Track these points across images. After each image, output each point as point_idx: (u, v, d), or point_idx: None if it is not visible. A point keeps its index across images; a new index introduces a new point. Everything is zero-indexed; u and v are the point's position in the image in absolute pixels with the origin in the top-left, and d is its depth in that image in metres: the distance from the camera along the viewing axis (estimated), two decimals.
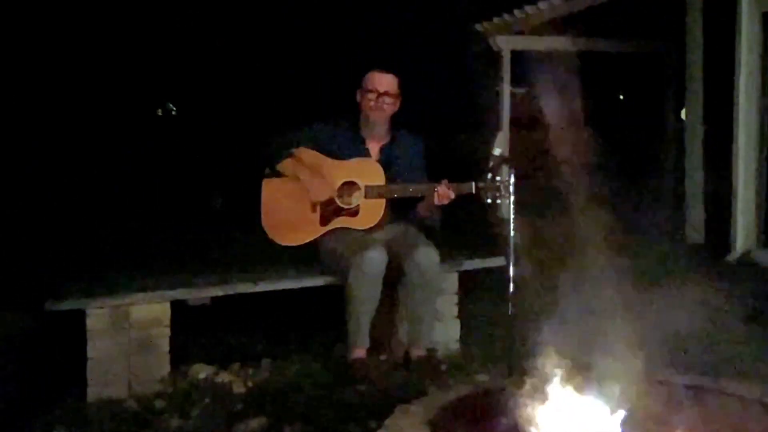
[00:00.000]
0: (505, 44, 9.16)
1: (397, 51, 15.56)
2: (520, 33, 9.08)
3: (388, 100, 3.60)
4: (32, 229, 6.73)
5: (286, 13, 17.21)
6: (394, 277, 3.45)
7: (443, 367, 3.43)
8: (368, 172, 3.54)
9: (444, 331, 3.75)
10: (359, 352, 3.38)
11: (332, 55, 17.10)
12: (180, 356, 3.34)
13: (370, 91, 3.58)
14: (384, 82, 3.60)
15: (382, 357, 3.56)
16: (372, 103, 3.58)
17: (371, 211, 3.52)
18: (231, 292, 3.38)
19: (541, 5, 8.43)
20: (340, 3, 17.40)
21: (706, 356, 3.40)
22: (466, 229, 5.88)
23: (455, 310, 3.82)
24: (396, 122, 3.73)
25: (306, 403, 3.00)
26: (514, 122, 9.14)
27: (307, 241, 3.55)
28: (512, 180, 3.18)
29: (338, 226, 3.52)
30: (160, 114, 18.53)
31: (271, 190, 3.59)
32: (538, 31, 8.81)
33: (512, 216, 3.17)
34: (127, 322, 3.13)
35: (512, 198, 3.24)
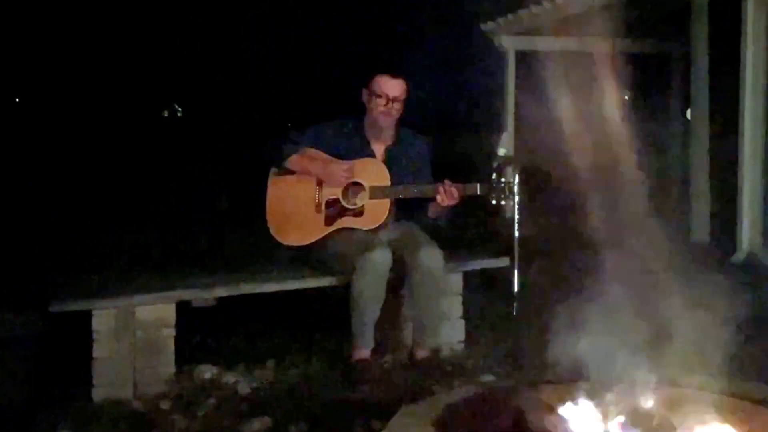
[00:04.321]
0: (510, 44, 9.15)
1: (401, 51, 15.54)
2: (526, 33, 9.07)
3: (397, 105, 3.57)
4: (38, 229, 6.74)
5: (291, 15, 17.24)
6: (398, 278, 3.45)
7: (448, 368, 3.43)
8: (373, 172, 3.54)
9: (449, 331, 3.74)
10: (364, 353, 3.38)
11: (337, 56, 17.11)
12: (185, 357, 3.35)
13: (380, 96, 3.54)
14: (394, 87, 3.55)
15: (387, 357, 3.55)
16: (382, 108, 3.54)
17: (376, 212, 3.52)
18: (236, 293, 3.39)
19: (546, 5, 8.42)
20: (344, 3, 17.40)
21: (711, 357, 3.38)
22: (471, 229, 5.88)
23: (460, 311, 3.82)
24: (401, 122, 3.72)
25: (311, 403, 3.01)
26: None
27: (312, 241, 3.54)
28: (516, 180, 3.18)
29: (343, 226, 3.52)
30: (166, 115, 18.60)
31: (276, 189, 3.59)
32: (543, 31, 8.79)
33: (517, 216, 3.17)
34: (132, 323, 3.14)
35: (517, 198, 3.24)
